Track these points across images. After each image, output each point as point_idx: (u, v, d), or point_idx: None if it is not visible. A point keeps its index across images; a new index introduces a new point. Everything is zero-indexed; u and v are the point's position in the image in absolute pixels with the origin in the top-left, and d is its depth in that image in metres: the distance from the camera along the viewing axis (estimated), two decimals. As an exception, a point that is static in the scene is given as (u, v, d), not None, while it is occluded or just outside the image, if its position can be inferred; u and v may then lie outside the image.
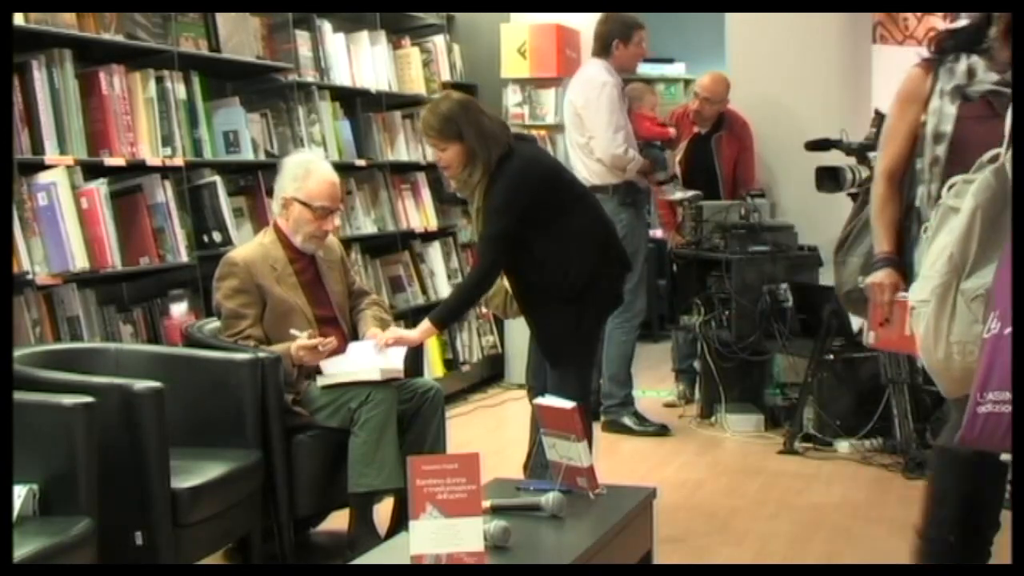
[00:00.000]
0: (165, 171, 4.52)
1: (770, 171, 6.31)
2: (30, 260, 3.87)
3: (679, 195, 5.86)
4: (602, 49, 5.68)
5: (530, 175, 3.81)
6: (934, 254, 2.51)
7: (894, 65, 7.22)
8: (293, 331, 3.85)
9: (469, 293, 3.93)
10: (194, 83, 4.74)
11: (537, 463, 3.77)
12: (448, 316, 4.01)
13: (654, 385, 6.63)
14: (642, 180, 5.75)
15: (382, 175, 6.30)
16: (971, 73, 2.83)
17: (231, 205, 4.86)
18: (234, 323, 3.87)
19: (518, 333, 6.98)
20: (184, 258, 4.50)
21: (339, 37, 5.99)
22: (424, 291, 6.51)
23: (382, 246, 6.30)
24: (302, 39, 5.58)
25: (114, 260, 4.18)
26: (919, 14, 7.55)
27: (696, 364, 6.29)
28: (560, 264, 3.79)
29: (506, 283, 4.00)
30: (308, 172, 3.99)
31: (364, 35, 6.25)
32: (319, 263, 4.08)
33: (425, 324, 3.88)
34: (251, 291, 3.89)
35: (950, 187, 2.55)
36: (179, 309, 4.58)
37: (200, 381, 3.66)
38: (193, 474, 3.29)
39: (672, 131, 6.09)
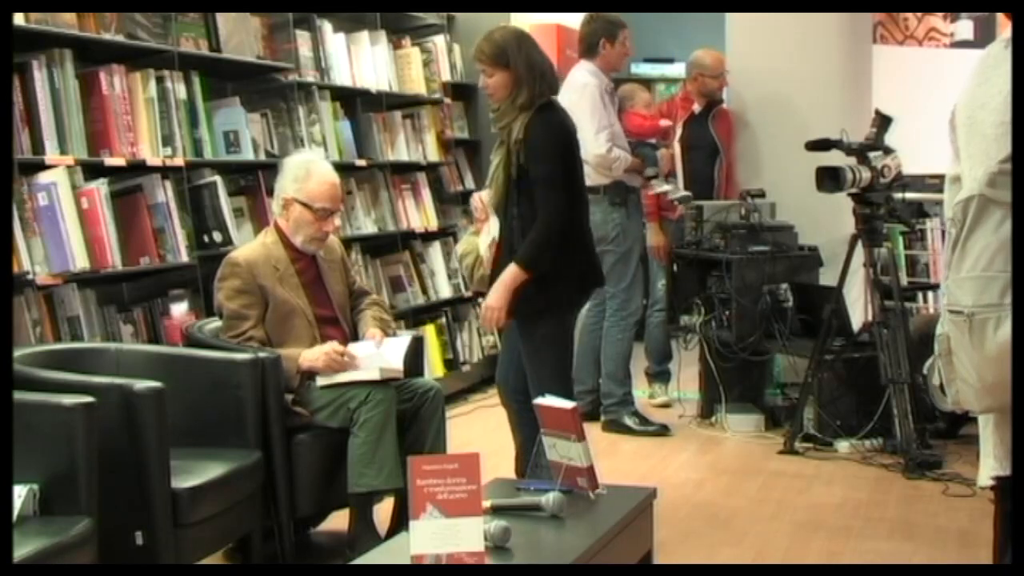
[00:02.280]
0: (165, 171, 4.52)
1: (770, 171, 6.31)
2: (30, 260, 3.87)
3: (664, 188, 5.87)
4: (588, 50, 5.72)
5: (569, 129, 3.85)
6: (978, 251, 2.34)
7: (894, 65, 7.25)
8: (330, 342, 3.89)
9: (549, 235, 3.73)
10: (194, 83, 4.74)
11: (536, 463, 3.76)
12: (536, 260, 3.74)
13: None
14: (634, 179, 5.75)
15: (382, 175, 6.30)
16: None
17: (231, 205, 4.86)
18: (236, 324, 3.87)
19: (518, 333, 6.99)
20: (184, 258, 4.50)
21: (339, 37, 6.00)
22: (424, 291, 6.51)
23: (382, 246, 6.30)
24: (302, 39, 5.58)
25: (114, 260, 4.18)
26: (919, 14, 7.56)
27: (671, 366, 6.30)
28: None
29: (480, 246, 3.97)
30: (309, 173, 3.99)
31: (364, 35, 6.25)
32: (320, 263, 4.08)
33: (512, 269, 3.73)
34: (253, 292, 3.89)
35: (985, 177, 2.37)
36: (179, 309, 4.58)
37: (200, 381, 3.66)
38: (193, 474, 3.29)
39: (664, 122, 6.09)
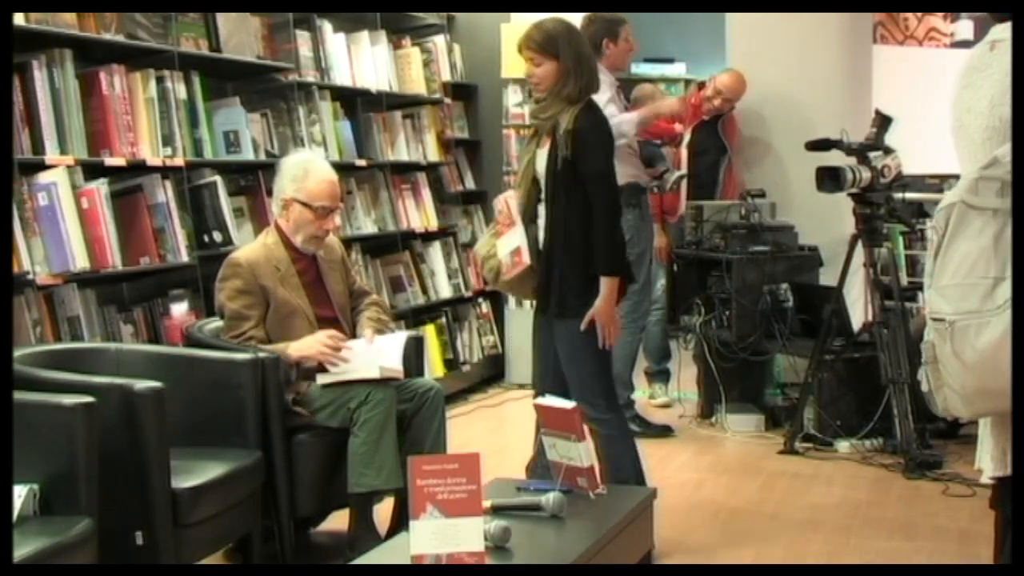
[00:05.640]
0: (165, 171, 4.51)
1: (771, 171, 6.31)
2: (30, 260, 3.87)
3: (678, 174, 5.88)
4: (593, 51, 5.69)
5: (611, 127, 3.80)
6: (959, 259, 2.33)
7: (894, 65, 7.25)
8: (331, 332, 3.89)
9: (614, 227, 3.71)
10: (194, 83, 4.74)
11: (540, 464, 3.76)
12: (615, 261, 3.70)
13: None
14: (643, 177, 5.75)
15: (382, 175, 6.30)
16: None
17: (231, 205, 4.86)
18: (237, 324, 3.87)
19: (518, 333, 6.98)
20: (184, 258, 4.50)
21: (339, 37, 6.00)
22: (424, 291, 6.50)
23: (382, 246, 6.30)
24: (302, 39, 5.58)
25: (114, 260, 4.18)
26: (919, 14, 7.56)
27: (671, 365, 6.29)
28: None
29: (500, 251, 3.84)
30: (307, 172, 3.99)
31: (364, 35, 6.25)
32: (320, 263, 4.08)
33: (605, 283, 3.64)
34: (254, 292, 3.89)
35: (966, 183, 2.36)
36: (179, 309, 4.58)
37: (200, 381, 3.66)
38: (193, 474, 3.29)
39: (679, 127, 6.12)
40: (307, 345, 3.84)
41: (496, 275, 3.90)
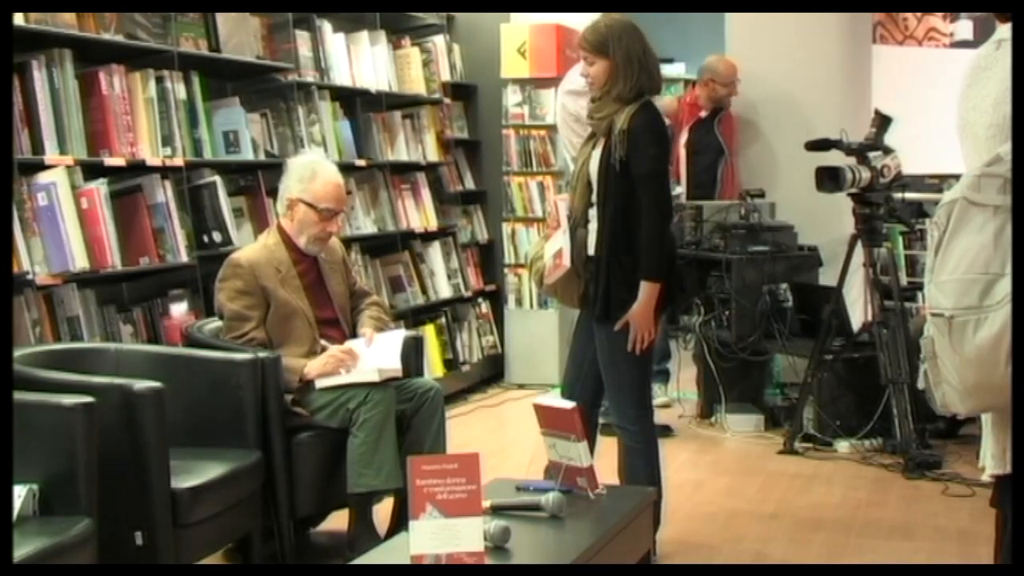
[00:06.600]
0: (165, 171, 4.51)
1: (770, 171, 6.31)
2: (30, 260, 3.87)
3: (678, 190, 5.90)
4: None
5: (668, 132, 3.77)
6: (959, 254, 2.34)
7: (894, 65, 7.25)
8: (323, 342, 3.91)
9: (661, 231, 3.64)
10: (194, 83, 4.74)
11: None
12: (659, 266, 3.62)
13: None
14: None
15: (382, 175, 6.30)
16: None
17: (231, 205, 4.86)
18: (237, 325, 3.87)
19: (518, 333, 7.00)
20: (184, 258, 4.50)
21: (339, 37, 5.99)
22: (424, 291, 6.50)
23: (382, 246, 6.30)
24: (302, 39, 5.58)
25: (114, 260, 4.18)
26: (919, 14, 7.56)
27: (670, 365, 6.29)
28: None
29: (546, 254, 3.81)
30: (314, 174, 3.99)
31: (364, 35, 6.25)
32: (321, 264, 4.08)
33: (645, 287, 3.59)
34: (255, 293, 3.89)
35: (968, 180, 2.36)
36: (179, 309, 4.58)
37: (200, 381, 3.66)
38: (193, 474, 3.29)
39: (668, 121, 6.13)
40: (323, 363, 3.84)
41: (541, 278, 3.87)
